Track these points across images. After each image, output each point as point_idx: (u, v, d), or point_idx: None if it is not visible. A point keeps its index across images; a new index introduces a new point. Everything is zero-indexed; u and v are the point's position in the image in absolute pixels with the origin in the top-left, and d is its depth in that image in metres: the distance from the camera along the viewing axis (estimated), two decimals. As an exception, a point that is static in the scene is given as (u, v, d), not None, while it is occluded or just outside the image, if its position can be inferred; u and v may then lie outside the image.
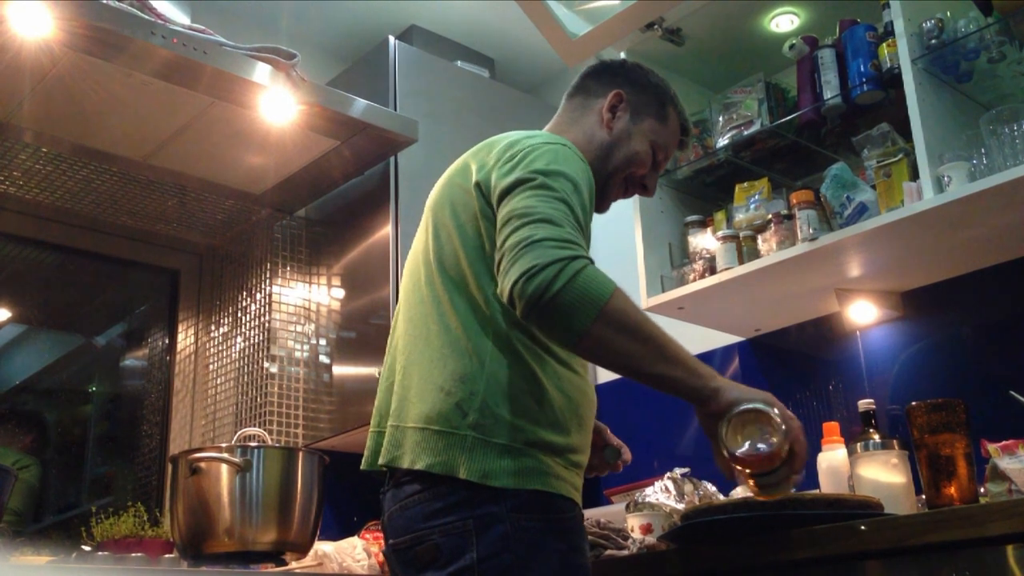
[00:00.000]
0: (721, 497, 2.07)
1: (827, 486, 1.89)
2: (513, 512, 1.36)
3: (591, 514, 2.03)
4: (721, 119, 2.40)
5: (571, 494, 1.45)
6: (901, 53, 1.98)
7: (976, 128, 1.93)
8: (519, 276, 1.30)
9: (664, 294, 2.34)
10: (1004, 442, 1.57)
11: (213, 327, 3.01)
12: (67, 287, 3.09)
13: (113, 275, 3.10)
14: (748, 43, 2.48)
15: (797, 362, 2.51)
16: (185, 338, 3.05)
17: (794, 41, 2.31)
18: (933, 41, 1.97)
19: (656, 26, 2.42)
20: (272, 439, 2.55)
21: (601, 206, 1.70)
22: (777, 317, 2.48)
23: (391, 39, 2.84)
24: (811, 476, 1.86)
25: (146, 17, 2.17)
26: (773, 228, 2.19)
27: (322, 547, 2.23)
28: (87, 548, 2.26)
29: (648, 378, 1.35)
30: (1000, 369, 2.10)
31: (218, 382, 2.92)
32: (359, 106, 2.48)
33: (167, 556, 2.24)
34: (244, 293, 2.93)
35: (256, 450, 2.10)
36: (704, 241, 2.37)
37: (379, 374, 1.70)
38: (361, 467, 1.59)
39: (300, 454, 2.18)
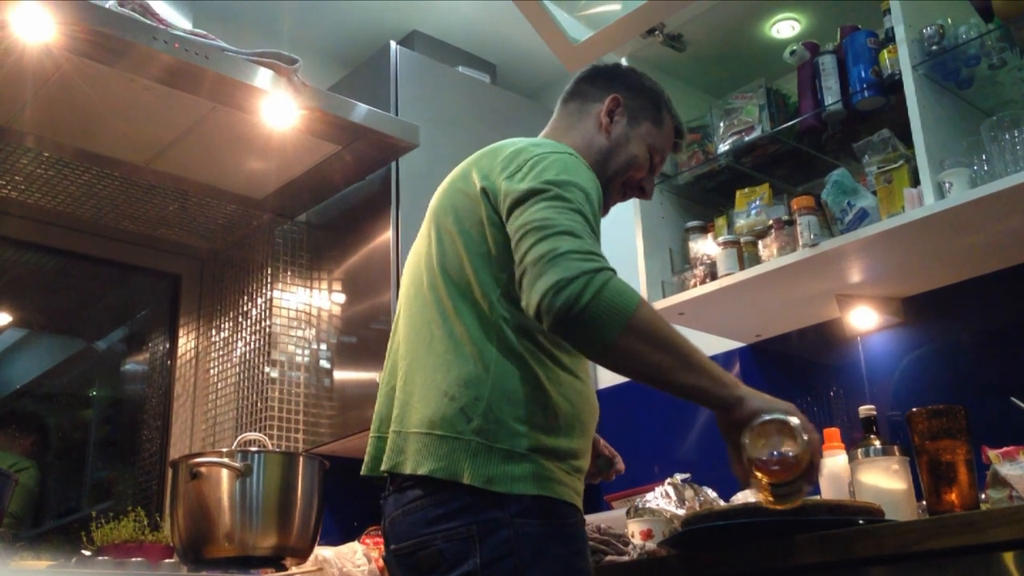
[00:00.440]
0: (722, 503, 2.06)
1: (828, 492, 1.89)
2: (516, 517, 1.36)
3: (591, 520, 2.03)
4: (722, 125, 2.41)
5: (573, 499, 1.45)
6: (902, 59, 1.99)
7: (977, 134, 1.93)
8: (547, 289, 1.31)
9: (665, 300, 2.34)
10: (1005, 448, 1.57)
11: (214, 332, 3.02)
12: (68, 291, 3.09)
13: (114, 279, 3.10)
14: (749, 49, 2.49)
15: (798, 368, 2.51)
16: (186, 343, 3.05)
17: (795, 47, 2.31)
18: (934, 47, 1.97)
19: (657, 32, 2.43)
20: (272, 444, 2.55)
21: (601, 211, 1.70)
22: (778, 323, 2.48)
23: (393, 44, 2.85)
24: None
25: (148, 22, 2.17)
26: (774, 234, 2.19)
27: (322, 552, 2.23)
28: (87, 553, 2.26)
29: (674, 387, 1.37)
30: (1001, 375, 2.10)
31: (219, 387, 2.92)
32: (360, 111, 2.48)
33: (167, 561, 2.24)
34: (245, 298, 2.93)
35: (256, 455, 2.10)
36: (705, 247, 2.37)
37: (379, 379, 1.70)
38: (361, 472, 1.59)
39: (300, 459, 2.18)
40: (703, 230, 2.41)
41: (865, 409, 1.83)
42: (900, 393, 2.27)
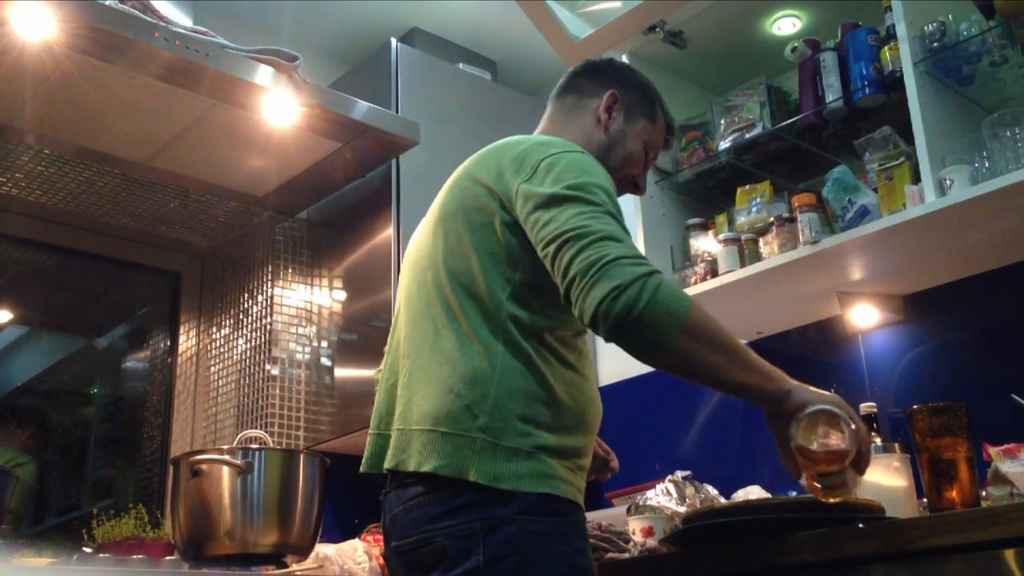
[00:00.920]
0: (722, 500, 2.06)
1: (829, 489, 1.89)
2: (520, 515, 1.36)
3: (592, 517, 2.03)
4: (723, 122, 2.41)
5: (576, 497, 1.45)
6: (903, 56, 1.98)
7: (978, 131, 1.93)
8: (604, 296, 1.31)
9: (666, 297, 2.33)
10: (1006, 446, 1.57)
11: (215, 329, 3.02)
12: (69, 289, 3.09)
13: (115, 277, 3.10)
14: (750, 46, 2.48)
15: (798, 365, 2.48)
16: (186, 340, 3.05)
17: (796, 44, 2.31)
18: (935, 44, 1.97)
19: (658, 29, 2.43)
20: (273, 441, 2.55)
21: None
22: (779, 320, 2.48)
23: (393, 41, 2.85)
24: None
25: (148, 19, 2.17)
26: (775, 231, 2.19)
27: (323, 549, 2.23)
28: (88, 550, 2.26)
29: (725, 385, 1.40)
30: (1002, 372, 2.10)
31: (219, 384, 2.92)
32: (361, 108, 2.48)
33: (168, 558, 2.24)
34: (245, 295, 2.93)
35: (257, 452, 2.10)
36: (706, 244, 2.37)
37: (376, 375, 1.70)
38: (361, 470, 1.58)
39: (301, 456, 2.18)
40: (704, 227, 2.41)
41: (866, 406, 1.84)
42: (901, 390, 2.27)
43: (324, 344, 2.84)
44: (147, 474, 2.91)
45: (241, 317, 2.92)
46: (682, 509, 1.94)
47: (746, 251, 2.25)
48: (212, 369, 2.97)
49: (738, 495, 2.11)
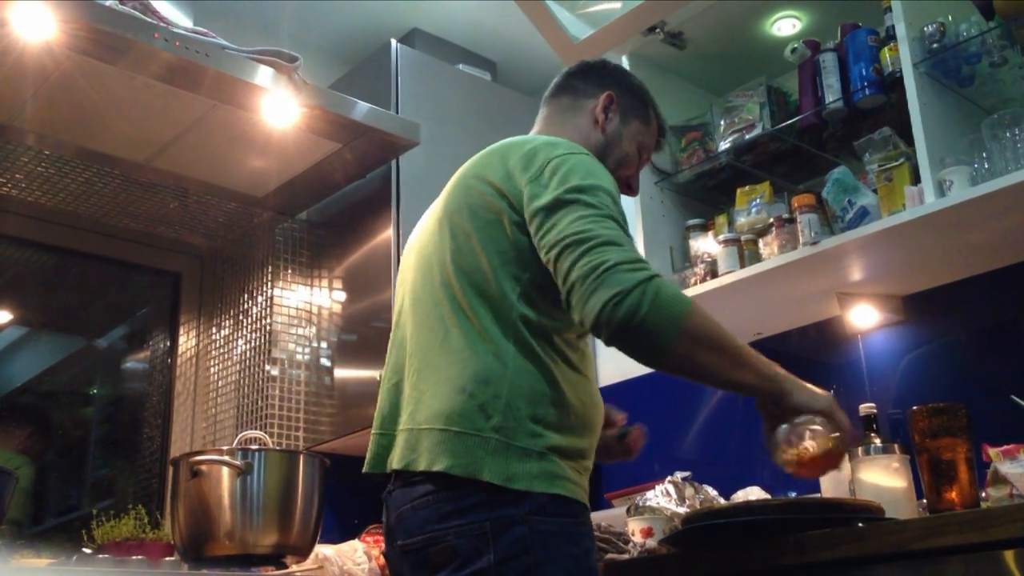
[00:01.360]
0: (722, 501, 2.06)
1: (828, 490, 1.89)
2: (531, 515, 1.37)
3: (592, 518, 2.03)
4: (723, 123, 2.41)
5: (583, 498, 1.46)
6: (903, 57, 1.98)
7: (978, 132, 1.93)
8: (604, 303, 1.32)
9: (665, 298, 2.33)
10: (1005, 446, 1.57)
11: (214, 330, 3.02)
12: (68, 289, 3.09)
13: (115, 277, 3.10)
14: (750, 47, 2.48)
15: (798, 366, 2.47)
16: (186, 341, 3.05)
17: (796, 45, 2.31)
18: (935, 45, 1.97)
19: (658, 29, 2.43)
20: (273, 442, 2.55)
21: None
22: (778, 321, 2.48)
23: (393, 42, 2.85)
24: (812, 480, 1.86)
25: (148, 20, 2.17)
26: (774, 232, 2.19)
27: (323, 550, 2.23)
28: (88, 551, 2.26)
29: (724, 385, 1.46)
30: (1002, 373, 2.10)
31: (219, 385, 2.92)
32: (361, 109, 2.48)
33: (168, 559, 2.24)
34: (245, 296, 2.93)
35: (257, 453, 2.10)
36: (705, 245, 2.37)
37: (380, 376, 1.70)
38: (364, 470, 1.58)
39: (301, 457, 2.17)
40: (703, 228, 2.41)
41: (865, 407, 1.83)
42: (900, 391, 2.27)
43: (324, 345, 2.84)
44: (147, 475, 2.91)
45: (241, 318, 2.92)
46: (682, 510, 1.94)
47: (746, 252, 2.25)
48: (212, 370, 2.97)
49: (738, 496, 2.11)
